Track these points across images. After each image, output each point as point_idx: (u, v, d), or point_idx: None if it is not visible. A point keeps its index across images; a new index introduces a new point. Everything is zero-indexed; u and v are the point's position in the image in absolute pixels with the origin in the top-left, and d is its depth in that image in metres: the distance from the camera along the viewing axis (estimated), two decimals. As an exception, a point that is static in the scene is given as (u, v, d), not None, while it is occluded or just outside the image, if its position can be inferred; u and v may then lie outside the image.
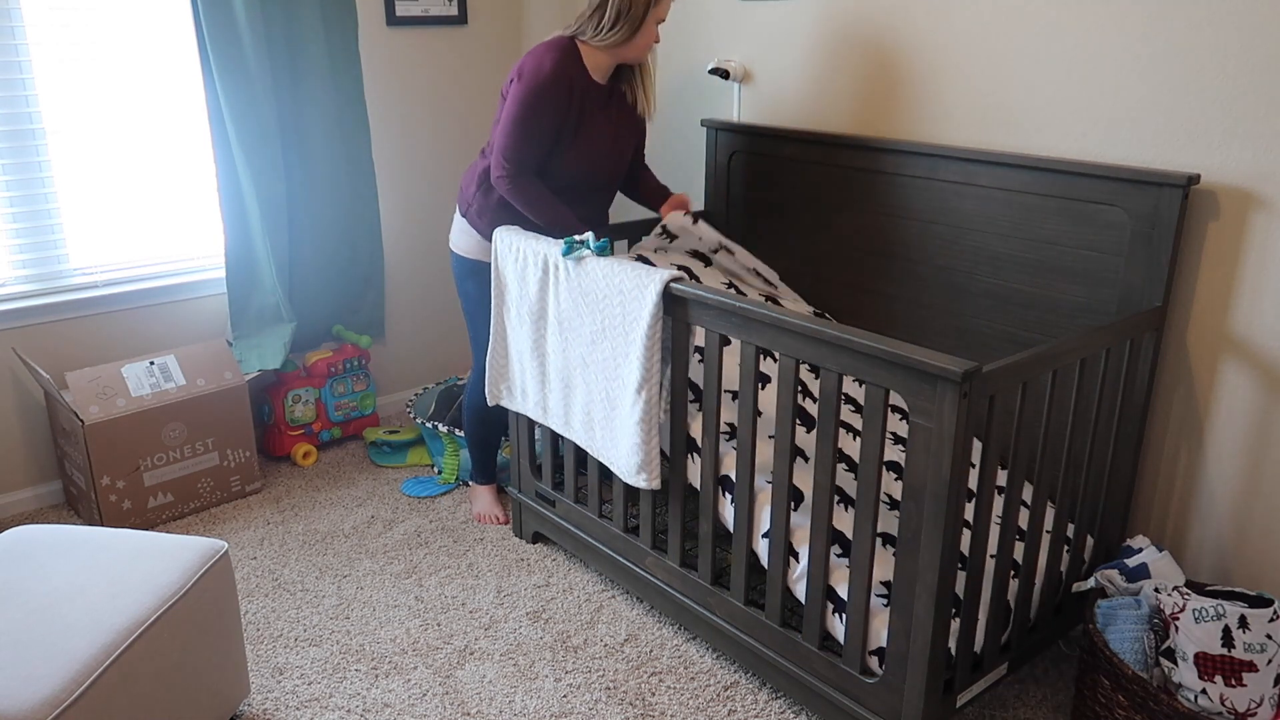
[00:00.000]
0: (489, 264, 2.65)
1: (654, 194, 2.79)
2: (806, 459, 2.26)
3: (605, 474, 2.58)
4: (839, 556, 2.05)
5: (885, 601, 1.98)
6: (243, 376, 3.10)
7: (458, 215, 2.71)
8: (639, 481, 2.28)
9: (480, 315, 2.75)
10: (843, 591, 2.01)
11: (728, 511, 2.22)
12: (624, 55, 2.47)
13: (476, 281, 2.72)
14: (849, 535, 2.09)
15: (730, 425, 2.28)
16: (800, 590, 2.07)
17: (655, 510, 2.42)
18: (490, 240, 2.61)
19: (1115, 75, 2.20)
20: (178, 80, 3.13)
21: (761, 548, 2.16)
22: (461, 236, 2.70)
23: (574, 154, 2.50)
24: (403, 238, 3.66)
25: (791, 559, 2.09)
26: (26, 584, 1.89)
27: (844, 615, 1.99)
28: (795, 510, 2.12)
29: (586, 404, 2.39)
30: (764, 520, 2.15)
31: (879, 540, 2.14)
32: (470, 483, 3.09)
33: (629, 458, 2.28)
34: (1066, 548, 2.22)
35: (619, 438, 2.31)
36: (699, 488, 2.26)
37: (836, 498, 2.15)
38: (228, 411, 3.06)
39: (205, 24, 2.91)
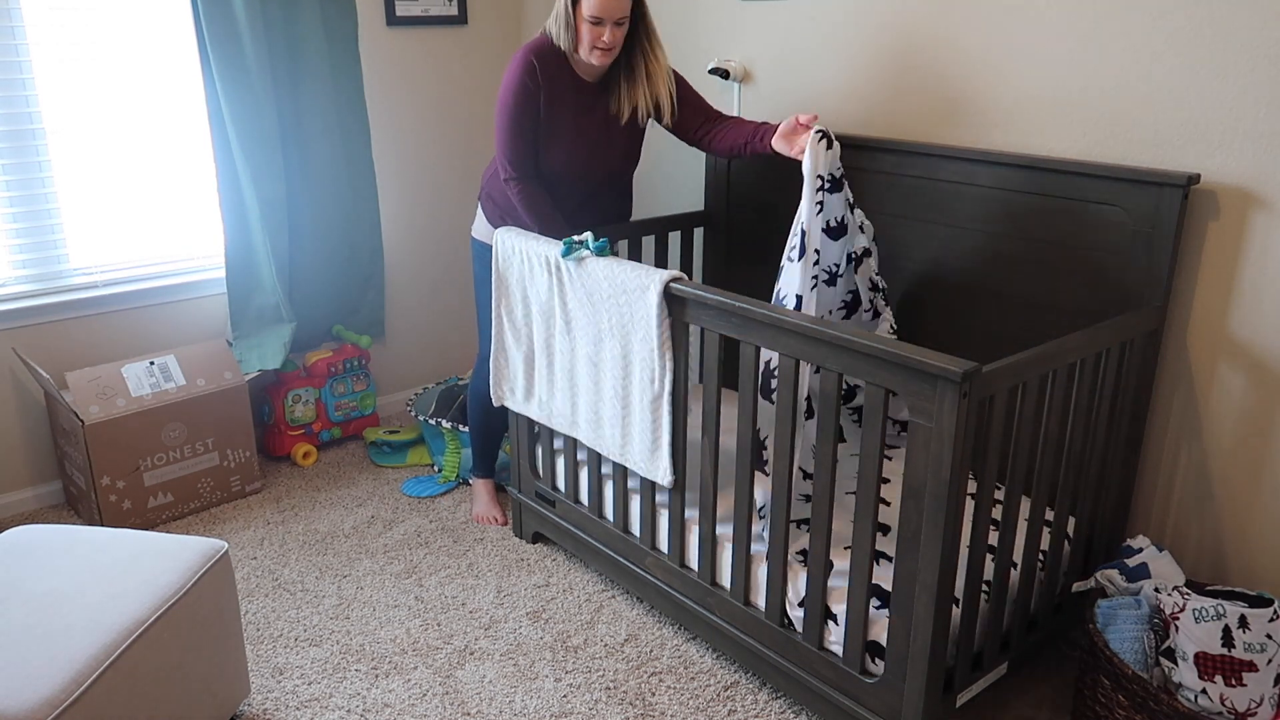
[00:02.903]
0: (489, 245, 2.69)
1: (748, 138, 2.47)
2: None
3: (603, 474, 2.58)
4: (834, 581, 2.06)
5: (880, 605, 1.98)
6: (243, 376, 3.10)
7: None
8: (656, 476, 2.28)
9: (482, 297, 2.78)
10: (838, 610, 2.01)
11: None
12: (585, 59, 2.42)
13: (480, 263, 2.76)
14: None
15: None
16: (798, 615, 2.07)
17: (655, 510, 2.42)
18: (494, 223, 2.68)
19: (1115, 75, 2.20)
20: (178, 80, 3.13)
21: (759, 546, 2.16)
22: (476, 221, 2.79)
23: (549, 147, 2.52)
24: (403, 238, 3.66)
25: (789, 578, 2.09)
26: (26, 584, 1.89)
27: (840, 621, 1.99)
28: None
29: (595, 404, 2.39)
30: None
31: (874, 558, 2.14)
32: (470, 480, 3.08)
33: (643, 455, 2.29)
34: (1066, 547, 2.22)
35: (632, 436, 2.31)
36: (700, 486, 2.26)
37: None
38: (228, 411, 3.06)
39: (205, 24, 2.91)
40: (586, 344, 2.36)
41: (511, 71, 2.46)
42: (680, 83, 2.62)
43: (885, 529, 2.22)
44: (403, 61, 3.48)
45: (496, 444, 3.02)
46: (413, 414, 3.30)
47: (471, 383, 2.92)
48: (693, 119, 2.62)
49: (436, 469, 3.34)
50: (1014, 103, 2.39)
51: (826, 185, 2.19)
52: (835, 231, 2.26)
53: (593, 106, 2.54)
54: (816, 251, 2.19)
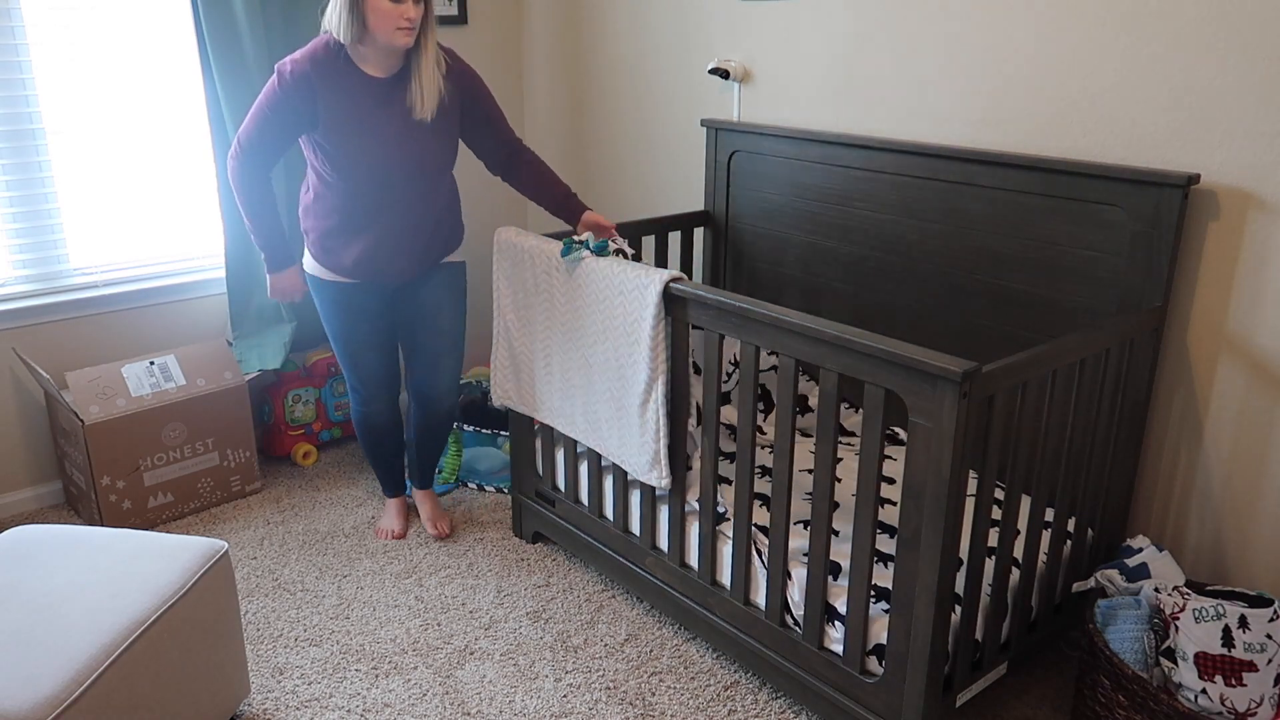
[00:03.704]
0: (318, 279, 2.59)
1: (555, 197, 2.64)
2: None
3: (603, 472, 2.58)
4: (834, 581, 2.06)
5: (882, 605, 1.98)
6: (243, 376, 3.10)
7: None
8: (651, 479, 2.28)
9: (330, 332, 2.67)
10: (840, 605, 2.01)
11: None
12: (381, 42, 2.29)
13: (318, 298, 2.64)
14: (841, 562, 2.09)
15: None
16: (798, 605, 2.08)
17: (655, 510, 2.42)
18: (314, 254, 2.55)
19: (1115, 75, 2.20)
20: (178, 80, 3.13)
21: (761, 548, 2.16)
22: (305, 255, 2.63)
23: (344, 149, 2.36)
24: (403, 238, 3.65)
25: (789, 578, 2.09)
26: (26, 584, 1.89)
27: (841, 623, 1.99)
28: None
29: (593, 404, 2.39)
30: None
31: (874, 559, 2.13)
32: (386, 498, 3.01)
33: (639, 456, 2.29)
34: (1066, 547, 2.22)
35: (628, 437, 2.31)
36: (700, 486, 2.26)
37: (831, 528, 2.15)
38: (228, 411, 3.06)
39: (205, 24, 2.91)
40: (584, 345, 2.36)
41: (279, 76, 2.32)
42: (485, 97, 2.54)
43: (886, 528, 2.22)
44: (403, 61, 3.48)
45: (395, 466, 2.93)
46: (413, 414, 3.31)
47: (353, 416, 2.83)
48: (494, 141, 2.59)
49: (437, 469, 3.34)
50: (1014, 103, 2.39)
51: None
52: None
53: (388, 100, 2.38)
54: None
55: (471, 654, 2.40)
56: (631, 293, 2.20)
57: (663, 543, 2.43)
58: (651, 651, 2.41)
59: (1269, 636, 1.85)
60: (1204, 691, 1.84)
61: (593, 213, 2.61)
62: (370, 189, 2.43)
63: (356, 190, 2.43)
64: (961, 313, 2.51)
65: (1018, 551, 2.09)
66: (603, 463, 2.54)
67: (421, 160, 2.44)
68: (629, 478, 2.47)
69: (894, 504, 2.30)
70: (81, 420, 2.77)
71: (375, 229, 2.48)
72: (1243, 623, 1.85)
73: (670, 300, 2.17)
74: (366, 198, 2.44)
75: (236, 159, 2.41)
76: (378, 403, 2.77)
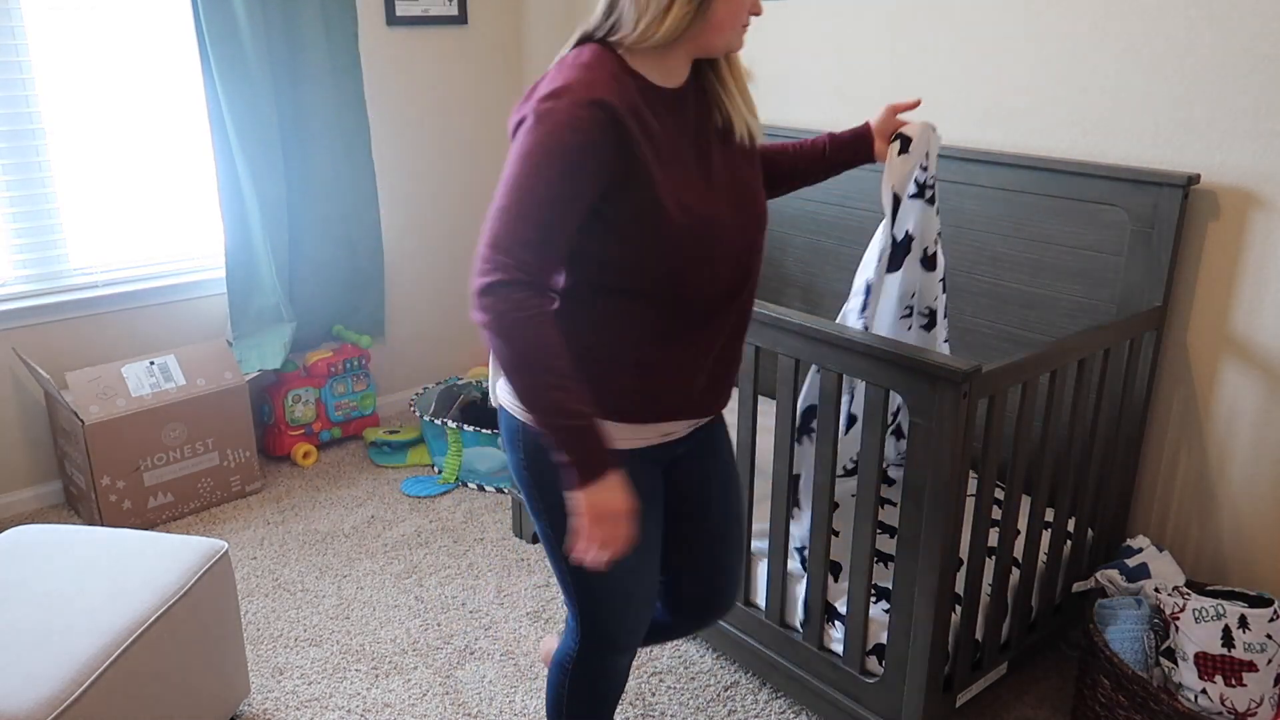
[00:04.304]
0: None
1: (817, 152, 1.73)
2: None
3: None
4: (834, 581, 2.06)
5: (882, 605, 1.98)
6: (243, 376, 3.10)
7: None
8: None
9: (548, 525, 1.54)
10: (840, 605, 2.01)
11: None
12: (706, 45, 1.39)
13: (531, 460, 1.50)
14: (841, 562, 2.09)
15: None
16: (799, 607, 2.08)
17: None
18: (621, 412, 1.48)
19: (1115, 75, 2.20)
20: (178, 80, 3.13)
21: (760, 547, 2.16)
22: (498, 376, 1.61)
23: (657, 210, 1.34)
24: (403, 237, 3.66)
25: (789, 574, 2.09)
26: (26, 584, 1.89)
27: (841, 623, 1.99)
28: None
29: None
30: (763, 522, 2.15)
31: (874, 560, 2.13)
32: None
33: None
34: (1066, 547, 2.22)
35: None
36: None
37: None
38: (228, 411, 3.06)
39: (205, 24, 2.91)
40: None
41: (558, 131, 1.28)
42: None
43: (886, 528, 2.22)
44: (403, 61, 3.48)
45: None
46: (416, 413, 3.30)
47: (577, 670, 1.69)
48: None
49: (436, 469, 3.34)
50: (1014, 103, 2.39)
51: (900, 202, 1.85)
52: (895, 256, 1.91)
53: (698, 129, 1.45)
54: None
55: (471, 654, 2.40)
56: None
57: (663, 543, 2.42)
58: (651, 651, 2.41)
59: (1269, 636, 1.85)
60: (1204, 691, 1.85)
61: (873, 121, 1.74)
62: (703, 265, 1.40)
63: (683, 277, 1.39)
64: (961, 313, 2.51)
65: (1018, 551, 2.09)
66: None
67: (755, 205, 1.49)
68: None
69: (894, 504, 2.30)
70: (81, 420, 2.77)
71: (705, 332, 1.46)
72: (1243, 623, 1.85)
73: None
74: (699, 285, 1.41)
75: (510, 289, 1.28)
76: (628, 655, 1.68)
